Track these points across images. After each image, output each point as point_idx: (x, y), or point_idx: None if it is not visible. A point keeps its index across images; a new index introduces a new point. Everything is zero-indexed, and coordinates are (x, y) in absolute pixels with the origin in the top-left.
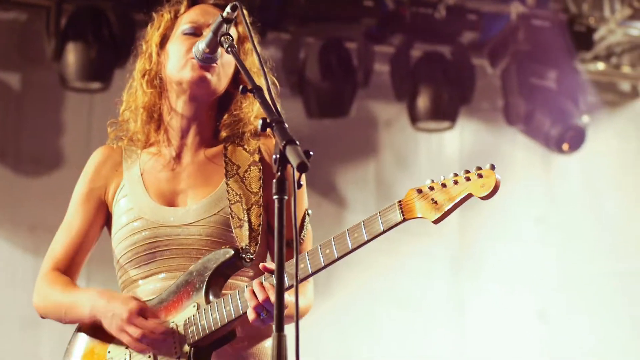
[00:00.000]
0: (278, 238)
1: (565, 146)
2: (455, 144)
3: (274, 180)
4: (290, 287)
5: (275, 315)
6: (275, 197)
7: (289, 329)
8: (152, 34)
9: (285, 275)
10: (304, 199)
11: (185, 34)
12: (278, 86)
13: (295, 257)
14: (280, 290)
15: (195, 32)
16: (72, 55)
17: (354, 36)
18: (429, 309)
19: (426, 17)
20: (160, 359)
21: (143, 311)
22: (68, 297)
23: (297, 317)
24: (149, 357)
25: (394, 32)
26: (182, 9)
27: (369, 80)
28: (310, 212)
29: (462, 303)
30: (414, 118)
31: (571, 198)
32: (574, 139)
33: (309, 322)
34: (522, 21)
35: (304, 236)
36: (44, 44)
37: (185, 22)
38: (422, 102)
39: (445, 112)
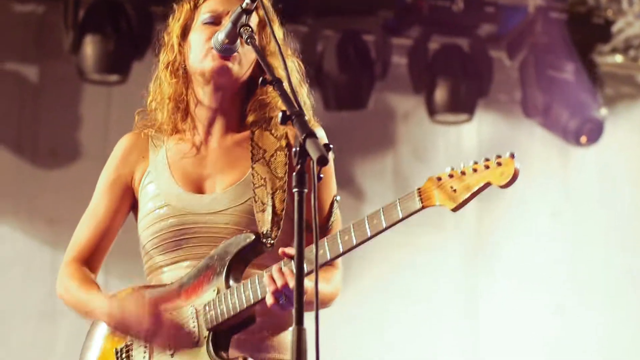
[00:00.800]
0: (298, 230)
1: (583, 139)
2: (473, 136)
3: (294, 174)
4: (311, 272)
5: (295, 308)
6: (294, 190)
7: (307, 321)
8: (173, 26)
9: (305, 262)
10: (332, 185)
11: (205, 23)
12: (303, 69)
13: (315, 248)
14: (300, 282)
15: (215, 21)
16: (89, 48)
17: (372, 28)
18: (444, 303)
19: (444, 9)
20: (180, 345)
21: (155, 308)
22: (85, 296)
23: (317, 306)
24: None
25: (412, 24)
26: None
27: (386, 72)
28: (339, 198)
29: (477, 297)
30: (431, 111)
31: (588, 192)
32: (592, 131)
33: (323, 315)
34: (540, 14)
35: (332, 223)
36: (62, 37)
37: (204, 11)
38: (440, 94)
39: (463, 104)
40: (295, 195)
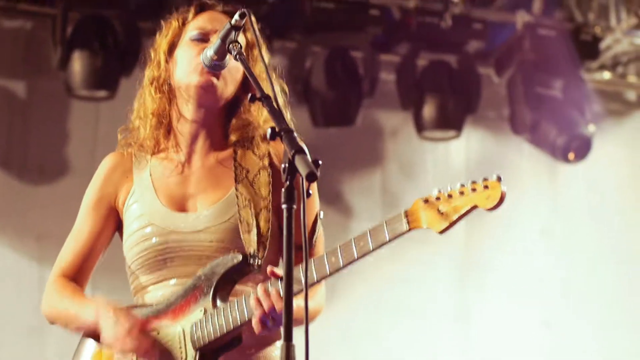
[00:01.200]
0: (287, 248)
1: (571, 155)
2: (461, 153)
3: (283, 190)
4: (298, 292)
5: (284, 325)
6: (283, 206)
7: (296, 336)
8: (161, 42)
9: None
10: (316, 202)
11: (193, 40)
12: (287, 92)
13: (305, 265)
14: (289, 300)
15: (203, 38)
16: (78, 64)
17: (360, 45)
18: (434, 318)
19: (432, 26)
20: None
21: (145, 328)
22: (75, 306)
23: (307, 326)
24: None
25: (400, 41)
26: (190, 16)
27: (374, 89)
28: (322, 214)
29: (467, 312)
30: (419, 127)
31: (577, 208)
32: (580, 148)
33: (314, 328)
34: (528, 30)
35: (316, 239)
36: (50, 53)
37: (192, 28)
38: (428, 111)
39: (451, 121)
40: (285, 211)
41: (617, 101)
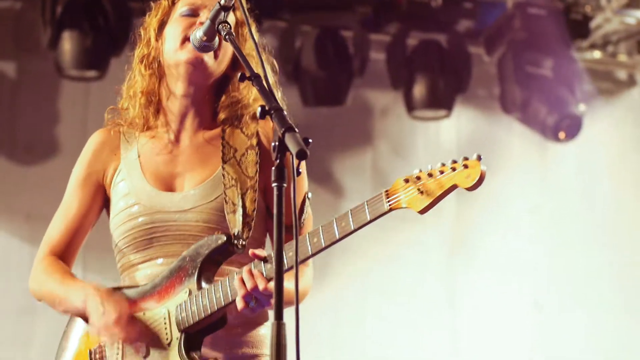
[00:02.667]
0: (277, 226)
1: (561, 135)
2: (452, 132)
3: (273, 168)
4: (287, 270)
5: (274, 303)
6: (274, 184)
7: (287, 316)
8: (150, 21)
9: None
10: (304, 182)
11: (183, 15)
12: (277, 70)
13: (295, 244)
14: (279, 279)
15: (193, 14)
16: (67, 44)
17: (350, 24)
18: (422, 298)
19: (422, 5)
20: (152, 347)
21: (132, 319)
22: (63, 287)
23: (297, 304)
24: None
25: (390, 20)
26: None
27: (365, 68)
28: (310, 195)
29: (456, 292)
30: (410, 107)
31: (567, 187)
32: (571, 127)
33: (303, 308)
34: (518, 9)
35: (304, 220)
36: (40, 33)
37: (182, 5)
38: (419, 90)
39: (441, 100)
40: (275, 189)
41: (607, 80)
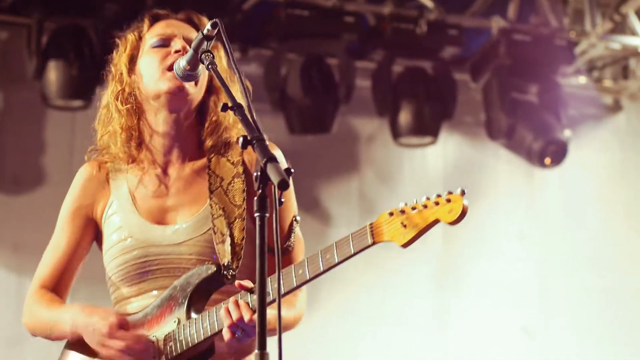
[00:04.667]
0: (259, 256)
1: (547, 160)
2: (438, 158)
3: (255, 198)
4: (271, 302)
5: (257, 333)
6: (256, 214)
7: (271, 346)
8: (120, 57)
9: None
10: (291, 205)
11: (154, 47)
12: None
13: (277, 273)
14: (262, 307)
15: (164, 44)
16: (53, 74)
17: (335, 52)
18: (413, 325)
19: (407, 32)
20: None
21: (123, 324)
22: (52, 314)
23: (280, 334)
24: None
25: (375, 47)
26: (145, 28)
27: (350, 95)
28: (298, 218)
29: (446, 318)
30: (396, 133)
31: (553, 212)
32: (556, 153)
33: (291, 336)
34: (503, 36)
35: (293, 243)
36: (25, 62)
37: (151, 37)
38: (404, 117)
39: (427, 127)
40: (257, 219)
41: (592, 105)
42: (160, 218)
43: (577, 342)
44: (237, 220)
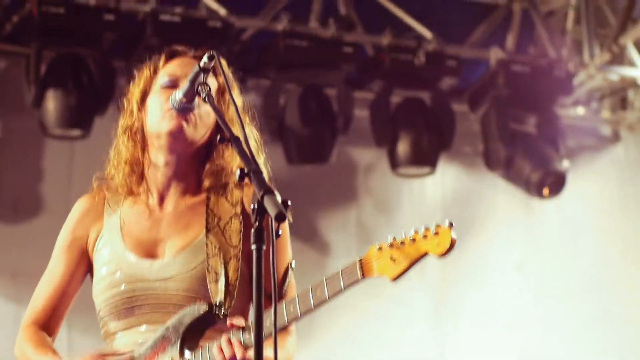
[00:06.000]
0: (256, 289)
1: (545, 191)
2: (436, 188)
3: (252, 230)
4: (266, 337)
5: None
6: (253, 246)
7: None
8: (133, 91)
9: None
10: (287, 250)
11: (164, 87)
12: (259, 138)
13: (274, 308)
14: (259, 344)
15: (173, 85)
16: (51, 103)
17: (334, 82)
18: (411, 354)
19: (406, 63)
20: None
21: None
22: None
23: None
24: None
25: (374, 78)
26: (161, 63)
27: (349, 126)
28: (294, 264)
29: (444, 348)
30: (394, 164)
31: (552, 243)
32: (555, 184)
33: None
34: (502, 67)
35: (286, 289)
36: (24, 91)
37: (163, 75)
38: (402, 147)
39: (425, 157)
40: (254, 252)
41: (591, 136)
42: (149, 251)
43: None
44: (232, 260)
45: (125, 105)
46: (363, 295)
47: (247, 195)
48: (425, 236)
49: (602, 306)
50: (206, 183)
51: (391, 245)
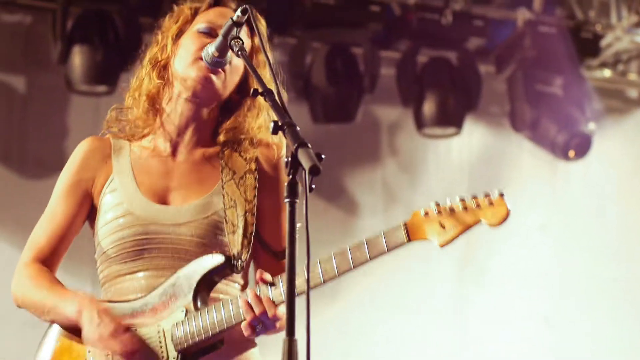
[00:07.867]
0: (289, 242)
1: (571, 153)
2: (462, 149)
3: (286, 184)
4: (300, 293)
5: (287, 319)
6: (286, 200)
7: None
8: (170, 26)
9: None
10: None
11: (200, 32)
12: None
13: (307, 261)
14: (291, 295)
15: (210, 33)
16: (78, 59)
17: (360, 41)
18: (433, 314)
19: (432, 22)
20: None
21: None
22: (53, 296)
23: (309, 322)
24: None
25: (400, 37)
26: (203, 7)
27: (375, 85)
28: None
29: (466, 307)
30: (420, 124)
31: (576, 205)
32: (580, 146)
33: (312, 325)
34: (529, 27)
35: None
36: (50, 47)
37: (202, 20)
38: (428, 107)
39: (451, 118)
40: (287, 205)
41: (617, 99)
42: (162, 197)
43: (599, 332)
44: (247, 214)
45: (159, 38)
46: (386, 256)
47: (263, 153)
48: (478, 205)
49: (627, 266)
50: (222, 137)
51: (439, 212)
